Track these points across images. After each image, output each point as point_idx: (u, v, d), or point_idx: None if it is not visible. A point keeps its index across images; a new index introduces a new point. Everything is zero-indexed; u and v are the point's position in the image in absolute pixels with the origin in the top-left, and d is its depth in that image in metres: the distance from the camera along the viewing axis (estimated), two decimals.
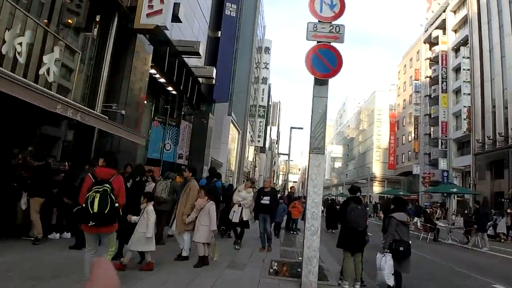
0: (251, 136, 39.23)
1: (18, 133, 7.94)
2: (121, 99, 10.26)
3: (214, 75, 16.60)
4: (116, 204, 4.31)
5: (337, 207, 17.59)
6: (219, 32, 20.25)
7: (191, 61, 15.16)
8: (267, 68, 43.59)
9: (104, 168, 4.47)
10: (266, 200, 8.43)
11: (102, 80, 9.39)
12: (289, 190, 19.94)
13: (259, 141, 43.30)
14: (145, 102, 17.36)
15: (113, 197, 4.25)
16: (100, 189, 4.19)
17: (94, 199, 4.14)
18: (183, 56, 14.09)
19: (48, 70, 7.40)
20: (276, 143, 78.97)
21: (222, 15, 20.29)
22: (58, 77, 7.78)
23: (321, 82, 5.02)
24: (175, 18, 11.49)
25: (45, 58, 7.30)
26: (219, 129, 23.67)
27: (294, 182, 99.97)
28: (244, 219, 8.25)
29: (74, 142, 9.47)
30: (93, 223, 4.15)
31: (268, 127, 53.15)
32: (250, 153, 40.43)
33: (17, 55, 6.51)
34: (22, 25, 6.62)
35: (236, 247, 8.34)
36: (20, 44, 6.57)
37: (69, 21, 8.84)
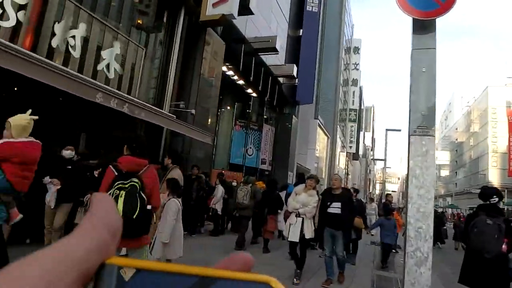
0: (342, 142, 36.66)
1: (95, 136, 7.81)
2: (191, 98, 9.64)
3: (295, 73, 15.27)
4: (149, 207, 3.08)
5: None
6: (301, 31, 18.93)
7: (269, 60, 14.14)
8: (357, 69, 40.60)
9: (130, 156, 3.20)
10: (335, 207, 5.40)
11: (169, 78, 8.85)
12: (386, 199, 17.00)
13: (351, 147, 40.26)
14: (228, 107, 17.24)
15: (143, 196, 3.04)
16: (126, 185, 3.02)
17: (117, 199, 2.98)
18: (260, 54, 13.16)
19: (108, 66, 7.00)
20: (371, 150, 73.50)
21: (303, 12, 18.95)
22: (120, 73, 7.35)
23: (423, 26, 3.26)
24: (246, 10, 10.60)
25: (104, 53, 6.91)
26: (305, 133, 22.15)
27: (392, 191, 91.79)
28: (306, 237, 5.44)
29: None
30: None
31: (361, 133, 49.48)
32: (342, 160, 37.74)
33: (70, 48, 6.15)
34: (76, 18, 6.27)
35: (295, 280, 5.43)
36: (74, 37, 6.22)
37: (138, 20, 8.57)
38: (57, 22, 5.87)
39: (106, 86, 5.98)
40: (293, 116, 18.99)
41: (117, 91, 6.29)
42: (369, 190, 66.35)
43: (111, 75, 7.09)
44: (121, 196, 3.01)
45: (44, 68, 4.34)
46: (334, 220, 5.35)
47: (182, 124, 7.45)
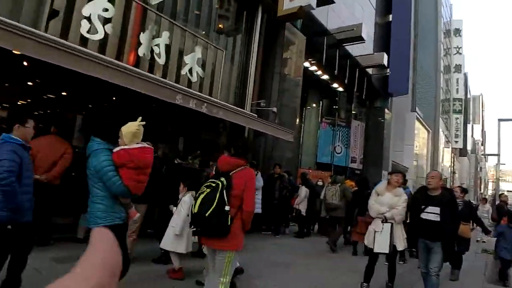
0: (446, 137, 32.81)
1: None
2: (272, 96, 9.51)
3: (385, 62, 14.03)
4: (227, 208, 2.96)
5: None
6: (390, 16, 17.40)
7: (355, 50, 13.26)
8: (460, 54, 35.91)
9: (226, 156, 3.37)
10: (431, 213, 4.12)
11: (249, 77, 8.84)
12: (500, 200, 14.20)
13: (456, 141, 35.80)
14: (313, 105, 16.77)
15: (224, 196, 2.97)
16: (213, 184, 3.05)
17: (199, 196, 3.07)
18: (344, 44, 12.41)
19: (190, 70, 7.25)
20: (482, 145, 64.34)
21: None
22: (202, 76, 7.55)
23: None
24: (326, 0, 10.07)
25: (186, 58, 7.17)
26: (400, 128, 20.28)
27: (508, 191, 78.69)
28: (398, 248, 4.56)
29: (224, 143, 9.20)
30: (193, 228, 3.10)
31: (469, 126, 43.62)
32: (446, 156, 33.76)
33: (155, 56, 6.50)
34: (159, 26, 6.61)
35: None
36: (158, 45, 6.56)
37: (219, 25, 8.79)
38: (142, 32, 6.25)
39: (185, 88, 6.16)
40: (386, 110, 17.55)
41: (195, 92, 6.45)
42: (479, 190, 58.23)
43: (194, 78, 7.32)
44: (203, 193, 3.04)
45: (127, 74, 4.60)
46: (430, 229, 4.08)
47: (262, 122, 7.32)
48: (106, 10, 5.72)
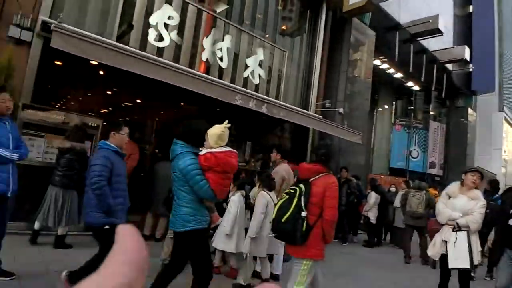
0: None
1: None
2: (338, 97, 9.08)
3: (467, 56, 12.58)
4: (303, 214, 2.91)
5: None
6: (470, 7, 15.66)
7: (431, 45, 12.13)
8: None
9: (306, 163, 3.37)
10: None
11: (314, 77, 8.54)
12: None
13: None
14: (386, 106, 15.73)
15: (301, 202, 2.94)
16: (292, 190, 3.08)
17: (278, 202, 3.14)
18: (419, 39, 11.41)
19: (252, 72, 7.22)
20: None
21: None
22: (265, 78, 7.48)
23: None
24: None
25: (248, 61, 7.16)
26: (486, 130, 18.05)
27: None
28: (474, 262, 3.62)
29: (289, 146, 8.98)
30: (272, 234, 3.13)
31: None
32: None
33: (218, 60, 6.58)
34: (221, 30, 6.70)
35: None
36: (221, 49, 6.64)
37: (283, 27, 8.69)
38: (205, 37, 6.38)
39: (245, 89, 6.13)
40: (469, 110, 15.78)
41: (255, 93, 6.38)
42: None
43: (256, 80, 7.28)
44: (281, 199, 3.10)
45: (190, 76, 4.69)
46: None
47: (327, 123, 6.96)
48: (171, 18, 5.96)
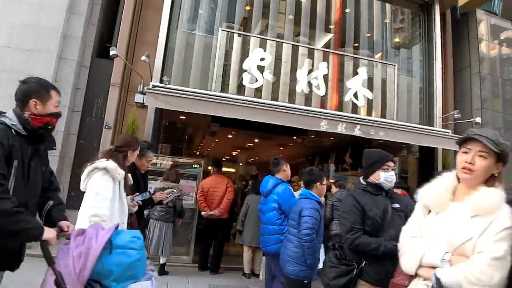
0: None
1: None
2: (473, 104, 7.65)
3: None
4: None
5: None
6: None
7: None
8: None
9: None
10: None
11: (435, 87, 7.44)
12: None
13: None
14: None
15: None
16: None
17: None
18: None
19: (355, 95, 6.85)
20: None
21: None
22: (371, 98, 6.97)
23: None
24: None
25: (349, 84, 6.84)
26: None
27: None
28: None
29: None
30: None
31: None
32: None
33: (314, 89, 6.54)
34: (313, 58, 6.69)
35: None
36: (316, 78, 6.59)
37: (396, 39, 8.10)
38: (298, 69, 6.49)
39: (331, 112, 5.82)
40: None
41: (343, 113, 5.97)
42: None
43: (361, 102, 6.84)
44: None
45: (267, 110, 4.83)
46: None
47: (446, 137, 5.87)
48: (263, 59, 6.33)
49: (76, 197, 6.13)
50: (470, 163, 1.47)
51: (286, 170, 3.56)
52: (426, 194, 1.64)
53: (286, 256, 2.94)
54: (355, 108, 6.77)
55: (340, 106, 6.66)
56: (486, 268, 1.30)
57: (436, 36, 7.65)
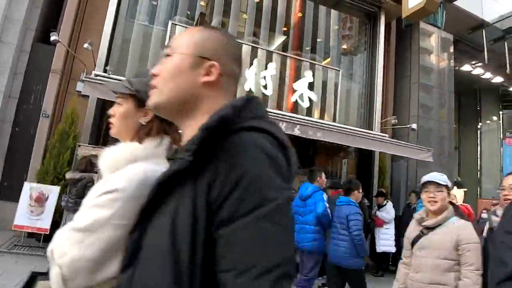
0: None
1: None
2: (411, 111, 8.21)
3: None
4: None
5: None
6: None
7: None
8: None
9: None
10: None
11: (376, 93, 7.90)
12: None
13: None
14: (493, 117, 13.43)
15: None
16: None
17: None
18: None
19: (301, 96, 7.10)
20: None
21: None
22: (315, 101, 7.26)
23: None
24: None
25: (295, 85, 7.09)
26: None
27: None
28: None
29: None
30: None
31: None
32: None
33: (262, 88, 6.70)
34: (265, 59, 6.86)
35: None
36: (264, 77, 6.76)
37: (343, 46, 8.47)
38: (247, 69, 6.62)
39: (273, 111, 6.03)
40: None
41: (284, 112, 6.22)
42: None
43: (306, 104, 7.11)
44: None
45: None
46: None
47: (383, 141, 6.29)
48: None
49: (9, 187, 5.82)
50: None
51: (320, 180, 4.06)
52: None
53: (341, 253, 3.47)
54: (301, 109, 7.02)
55: (285, 107, 6.88)
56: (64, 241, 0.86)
57: (379, 45, 8.12)
